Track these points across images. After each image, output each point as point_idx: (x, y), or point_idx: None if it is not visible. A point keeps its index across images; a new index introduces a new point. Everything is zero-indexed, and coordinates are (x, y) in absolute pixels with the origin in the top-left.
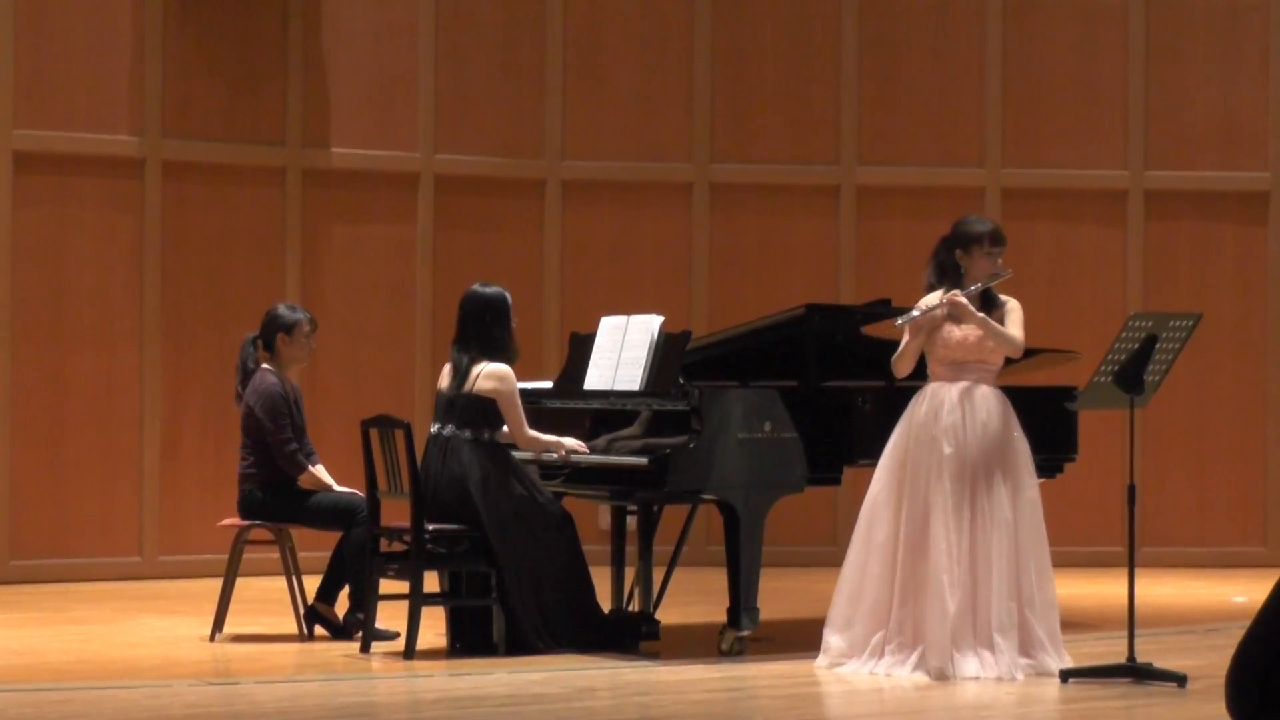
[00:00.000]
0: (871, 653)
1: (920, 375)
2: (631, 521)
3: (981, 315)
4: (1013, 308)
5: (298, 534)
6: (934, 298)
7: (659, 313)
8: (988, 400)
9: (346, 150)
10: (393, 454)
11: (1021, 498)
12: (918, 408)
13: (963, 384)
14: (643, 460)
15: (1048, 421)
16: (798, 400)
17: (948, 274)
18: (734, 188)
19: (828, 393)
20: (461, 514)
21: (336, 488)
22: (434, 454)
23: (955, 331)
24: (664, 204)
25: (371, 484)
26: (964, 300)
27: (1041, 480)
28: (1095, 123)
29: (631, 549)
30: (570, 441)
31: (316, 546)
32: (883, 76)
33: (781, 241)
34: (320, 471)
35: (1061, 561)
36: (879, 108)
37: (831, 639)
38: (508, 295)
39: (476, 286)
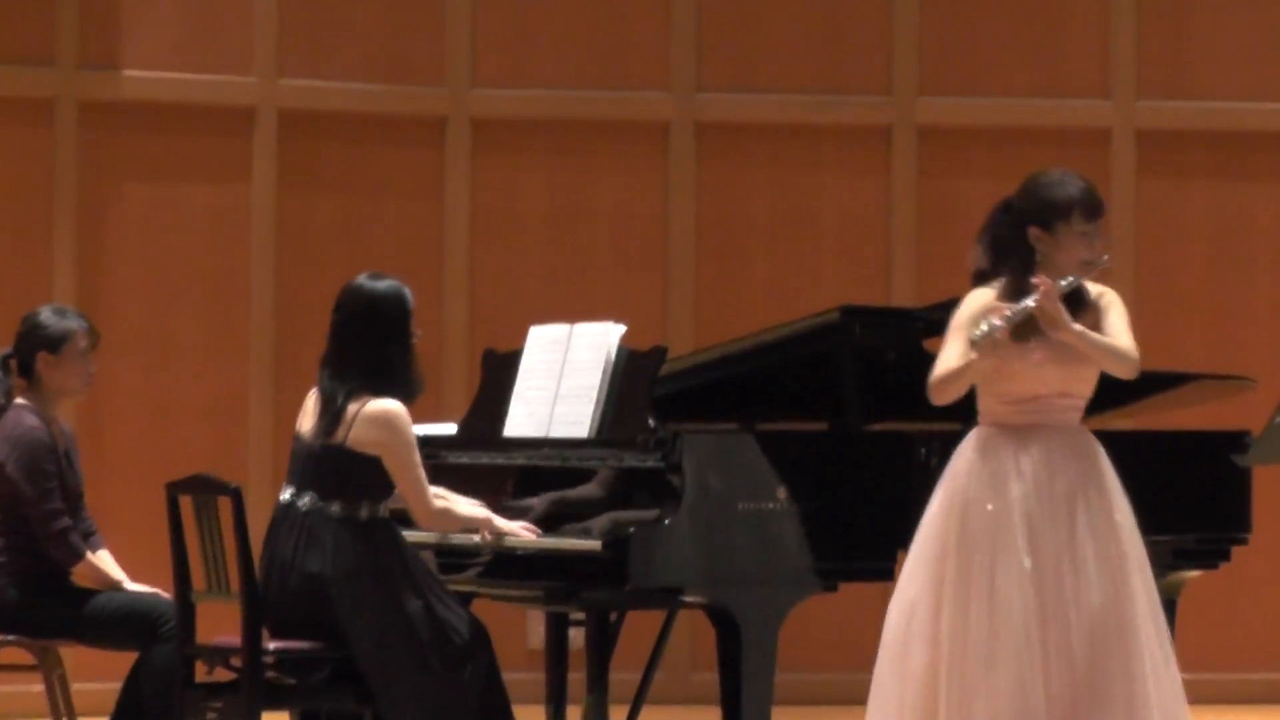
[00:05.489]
0: None
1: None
2: (577, 636)
3: (1079, 328)
4: (1110, 301)
5: (71, 654)
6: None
7: (618, 319)
8: (1068, 450)
9: (145, 73)
10: (215, 534)
11: (1127, 589)
12: (962, 470)
13: (1030, 431)
14: (595, 543)
15: (1206, 483)
16: (830, 451)
17: (1013, 259)
18: (733, 129)
19: (875, 439)
20: (319, 626)
21: (130, 585)
22: (283, 535)
23: (1028, 355)
24: (627, 153)
25: (183, 579)
26: (1057, 302)
27: (1195, 572)
28: (1273, 36)
29: (578, 676)
30: (505, 523)
31: (100, 674)
32: None
33: (804, 209)
34: (105, 560)
35: (1228, 695)
36: (950, 13)
37: None
38: (408, 294)
39: (363, 279)
